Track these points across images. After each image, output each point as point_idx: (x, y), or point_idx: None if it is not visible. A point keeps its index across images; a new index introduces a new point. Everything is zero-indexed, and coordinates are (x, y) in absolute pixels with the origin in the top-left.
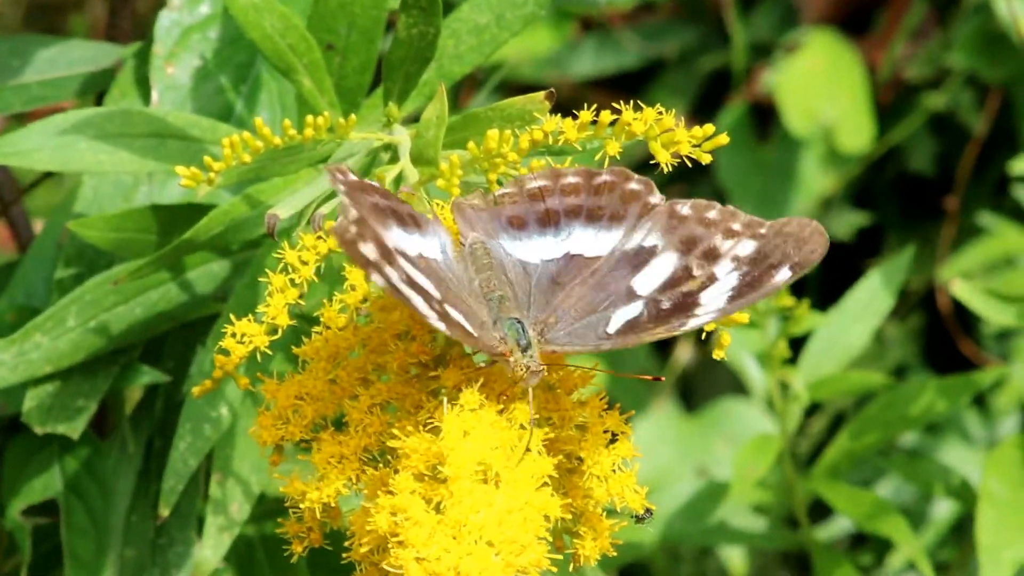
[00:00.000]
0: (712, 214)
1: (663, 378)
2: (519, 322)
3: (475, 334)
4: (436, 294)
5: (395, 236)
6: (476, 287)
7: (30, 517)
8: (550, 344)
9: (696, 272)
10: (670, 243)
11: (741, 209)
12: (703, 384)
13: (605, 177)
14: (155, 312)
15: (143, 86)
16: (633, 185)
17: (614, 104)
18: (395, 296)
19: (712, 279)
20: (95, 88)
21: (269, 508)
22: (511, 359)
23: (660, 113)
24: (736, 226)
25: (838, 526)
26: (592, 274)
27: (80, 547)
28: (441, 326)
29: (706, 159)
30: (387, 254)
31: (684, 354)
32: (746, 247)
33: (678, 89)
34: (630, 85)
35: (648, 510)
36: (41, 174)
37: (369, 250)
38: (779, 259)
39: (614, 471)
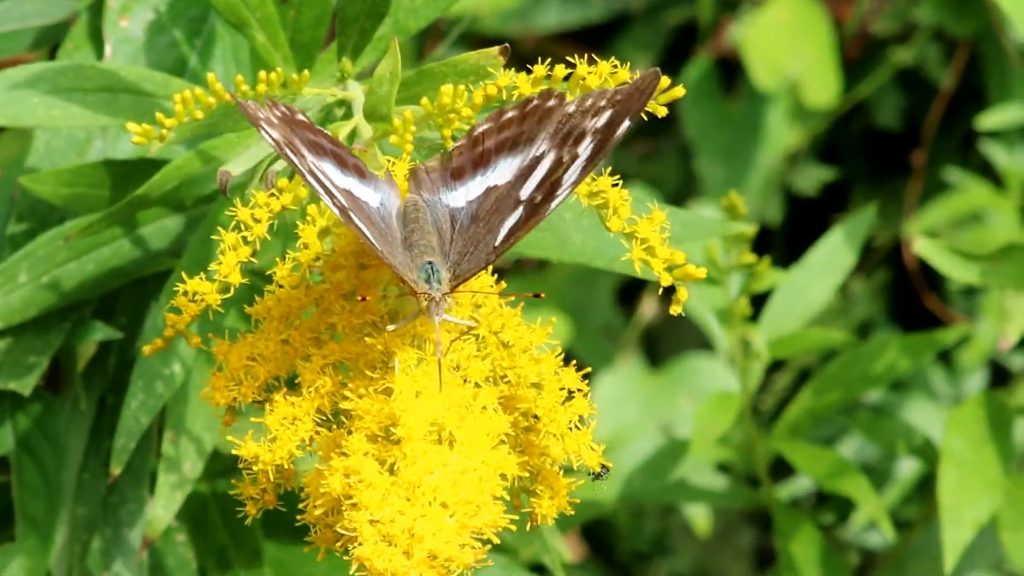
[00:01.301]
0: (589, 101)
1: (542, 295)
2: (430, 263)
3: (378, 247)
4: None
5: (326, 168)
6: (402, 240)
7: None
8: (458, 279)
9: (565, 159)
10: (554, 143)
11: (705, 162)
12: (668, 339)
13: (534, 101)
14: (108, 268)
15: (96, 40)
16: (551, 102)
17: (582, 56)
18: (303, 180)
19: (575, 158)
20: (48, 41)
21: (223, 466)
22: (419, 294)
23: (615, 67)
24: (602, 102)
25: (800, 485)
26: (496, 200)
27: (32, 505)
28: (344, 220)
29: (662, 112)
30: (294, 147)
31: (649, 309)
32: (604, 117)
33: (644, 42)
34: (596, 38)
35: (605, 467)
36: None
37: (275, 133)
38: (624, 114)
39: (571, 428)
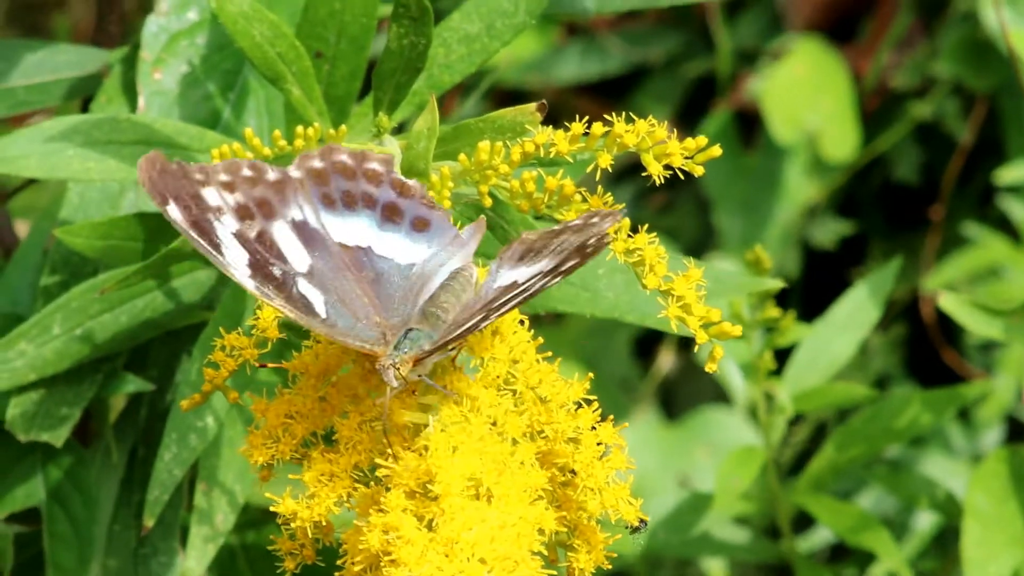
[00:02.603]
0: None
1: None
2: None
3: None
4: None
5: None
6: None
7: (12, 524)
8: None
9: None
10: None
11: (723, 215)
12: (684, 392)
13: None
14: (141, 320)
15: (130, 92)
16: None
17: (599, 110)
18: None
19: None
20: (81, 93)
21: (251, 517)
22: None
23: (652, 125)
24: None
25: (819, 537)
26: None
27: (62, 556)
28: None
29: (698, 171)
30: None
31: (666, 362)
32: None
33: (663, 95)
34: (614, 91)
35: (643, 521)
36: (24, 181)
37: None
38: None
39: (608, 483)
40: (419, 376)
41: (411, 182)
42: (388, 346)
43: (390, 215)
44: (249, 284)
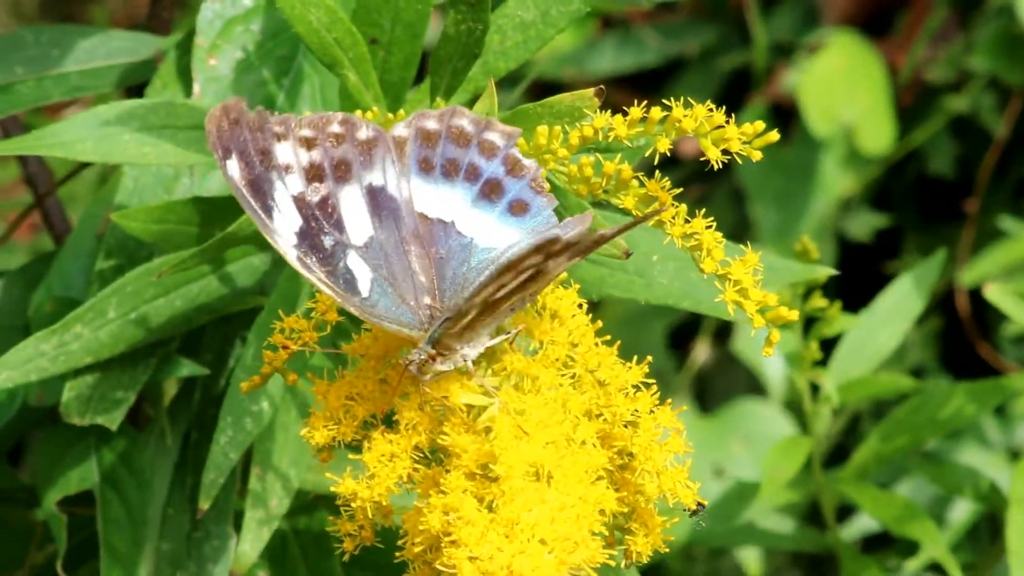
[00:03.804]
0: None
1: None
2: None
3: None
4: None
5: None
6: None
7: (65, 508)
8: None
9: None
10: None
11: (759, 208)
12: (718, 384)
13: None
14: (195, 305)
15: (185, 78)
16: None
17: (636, 102)
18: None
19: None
20: (134, 79)
21: (302, 502)
22: None
23: (711, 110)
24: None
25: (856, 527)
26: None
27: (116, 539)
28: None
29: (756, 156)
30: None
31: (702, 353)
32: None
33: (698, 88)
34: (650, 84)
35: (701, 504)
36: (76, 165)
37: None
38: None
39: (666, 467)
40: (449, 369)
41: (527, 161)
42: (426, 332)
43: (489, 192)
44: (291, 253)
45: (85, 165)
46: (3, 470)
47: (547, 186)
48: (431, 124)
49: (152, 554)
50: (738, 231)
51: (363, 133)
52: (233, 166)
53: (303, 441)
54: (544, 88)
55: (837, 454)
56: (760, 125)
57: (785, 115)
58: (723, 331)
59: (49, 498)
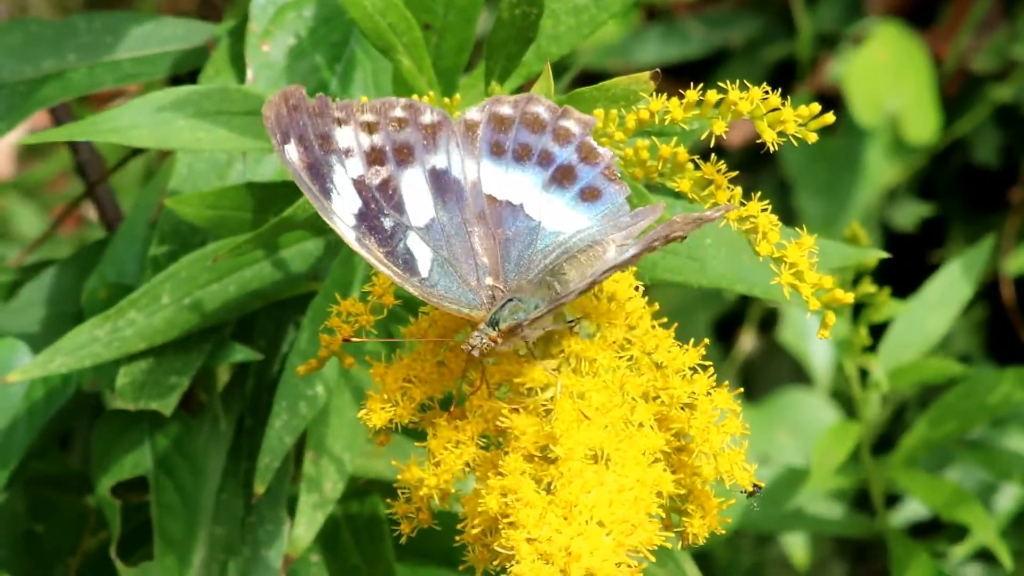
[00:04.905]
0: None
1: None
2: None
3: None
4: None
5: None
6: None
7: (119, 493)
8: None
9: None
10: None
11: (804, 197)
12: (763, 374)
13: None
14: (249, 290)
15: (238, 64)
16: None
17: (680, 92)
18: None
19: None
20: (187, 66)
21: (354, 487)
22: None
23: (766, 92)
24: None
25: (903, 514)
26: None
27: (170, 525)
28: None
29: (812, 138)
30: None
31: (747, 343)
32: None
33: (743, 78)
34: (694, 75)
35: (757, 487)
36: (128, 152)
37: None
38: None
39: (723, 449)
40: (510, 347)
41: (602, 149)
42: (487, 313)
43: (561, 177)
44: (350, 235)
45: (137, 152)
46: (55, 456)
47: (620, 174)
48: (506, 110)
49: (205, 539)
50: (784, 221)
51: (427, 117)
52: (292, 150)
53: (357, 425)
54: (589, 79)
55: (883, 443)
56: (816, 107)
57: (830, 105)
58: (768, 321)
59: (103, 484)
